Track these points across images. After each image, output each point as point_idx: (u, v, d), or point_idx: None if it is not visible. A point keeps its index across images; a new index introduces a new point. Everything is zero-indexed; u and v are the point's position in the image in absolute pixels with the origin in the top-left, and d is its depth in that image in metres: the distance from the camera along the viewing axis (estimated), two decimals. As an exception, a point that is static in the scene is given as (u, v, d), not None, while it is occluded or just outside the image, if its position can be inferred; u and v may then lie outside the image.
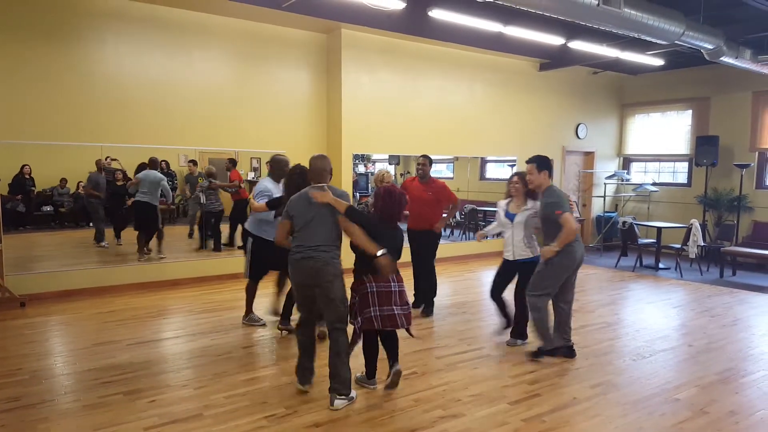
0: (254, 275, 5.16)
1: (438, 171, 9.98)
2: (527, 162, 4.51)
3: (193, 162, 7.62)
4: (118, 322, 5.41)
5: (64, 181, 6.96)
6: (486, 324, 5.51)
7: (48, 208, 6.95)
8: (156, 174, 7.05)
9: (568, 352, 4.54)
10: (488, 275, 8.06)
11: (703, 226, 9.07)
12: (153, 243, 7.24)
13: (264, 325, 5.30)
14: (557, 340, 4.53)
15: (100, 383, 3.91)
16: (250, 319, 5.33)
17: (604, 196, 10.97)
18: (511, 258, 4.73)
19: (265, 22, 7.27)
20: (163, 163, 7.61)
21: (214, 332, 5.09)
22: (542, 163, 4.41)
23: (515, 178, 4.72)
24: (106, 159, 6.85)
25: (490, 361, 4.49)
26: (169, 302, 6.22)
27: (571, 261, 4.32)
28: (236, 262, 7.31)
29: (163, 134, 6.80)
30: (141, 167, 7.02)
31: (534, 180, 4.45)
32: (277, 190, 4.90)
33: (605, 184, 10.94)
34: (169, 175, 7.71)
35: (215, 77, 7.11)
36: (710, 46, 6.76)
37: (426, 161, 5.75)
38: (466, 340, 5.01)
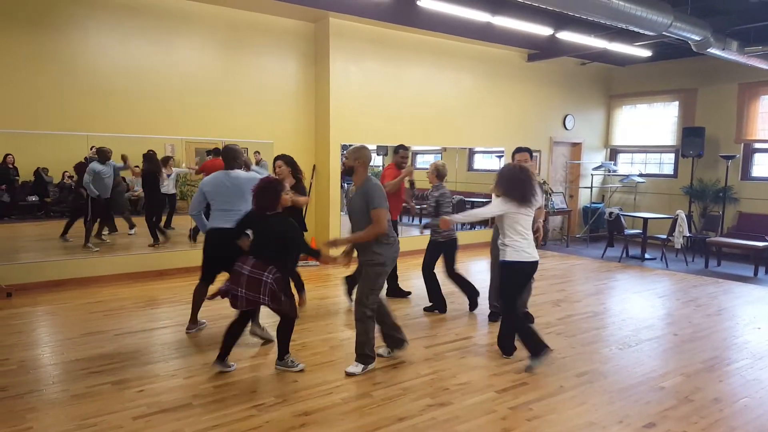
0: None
1: (426, 162, 9.97)
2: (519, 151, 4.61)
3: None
4: (105, 312, 5.38)
5: (45, 170, 6.83)
6: (474, 313, 5.55)
7: (33, 198, 6.85)
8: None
9: None
10: (476, 266, 8.11)
11: (689, 217, 9.17)
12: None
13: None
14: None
15: (88, 373, 3.89)
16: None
17: (591, 187, 11.05)
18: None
19: (252, 10, 7.19)
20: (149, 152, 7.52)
21: (201, 322, 5.05)
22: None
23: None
24: (91, 149, 6.74)
25: (477, 350, 4.53)
26: (157, 292, 6.19)
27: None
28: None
29: (148, 124, 6.71)
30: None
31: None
32: None
33: (592, 175, 11.02)
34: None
35: (201, 66, 7.02)
36: (697, 38, 6.79)
37: (406, 153, 5.83)
38: (454, 329, 5.04)
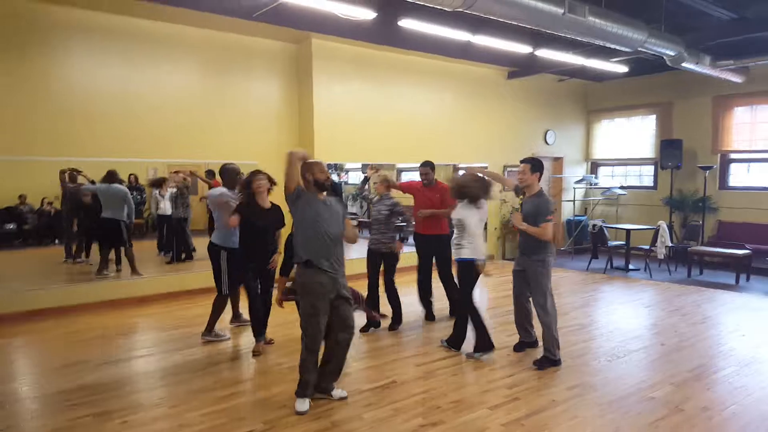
0: (230, 288, 5.16)
1: (411, 178, 9.99)
2: (521, 161, 4.63)
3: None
4: (86, 341, 5.24)
5: (23, 197, 6.73)
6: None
7: (11, 226, 6.72)
8: (118, 188, 6.70)
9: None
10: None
11: (670, 227, 9.29)
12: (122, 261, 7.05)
13: (228, 339, 5.24)
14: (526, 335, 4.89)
15: (69, 406, 3.77)
16: (215, 335, 5.23)
17: (574, 201, 11.16)
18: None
19: (234, 32, 7.21)
20: (131, 177, 7.45)
21: (186, 348, 4.96)
22: (535, 165, 4.55)
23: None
24: (69, 171, 6.65)
25: (468, 367, 4.50)
26: (139, 320, 6.06)
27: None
28: (206, 276, 7.20)
29: (130, 147, 6.63)
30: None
31: (526, 179, 4.56)
32: (235, 198, 4.97)
33: (574, 188, 11.14)
34: (138, 189, 7.55)
35: (184, 88, 7.00)
36: (672, 53, 6.96)
37: (428, 169, 5.81)
38: (444, 346, 5.01)
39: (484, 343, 4.66)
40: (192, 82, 7.07)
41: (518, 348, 4.88)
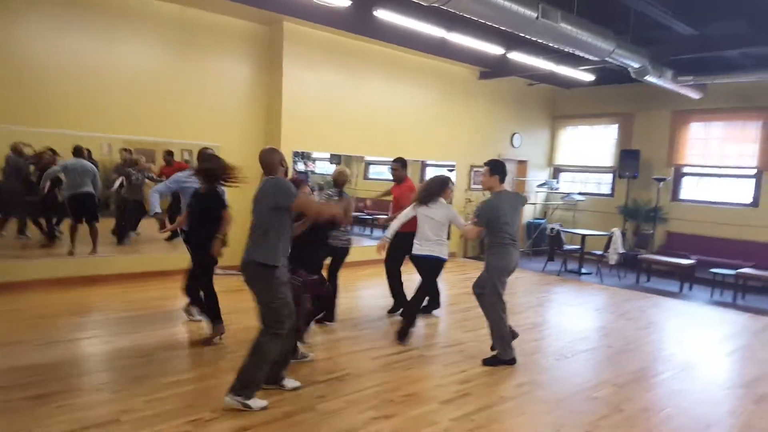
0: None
1: (379, 173, 10.03)
2: (485, 164, 4.72)
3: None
4: (26, 321, 5.00)
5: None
6: (421, 324, 5.58)
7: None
8: (89, 163, 6.69)
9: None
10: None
11: (623, 235, 9.60)
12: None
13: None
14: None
15: (3, 387, 3.59)
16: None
17: (535, 204, 11.40)
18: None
19: (202, 8, 6.99)
20: (85, 151, 7.18)
21: (135, 332, 4.81)
22: (495, 167, 4.61)
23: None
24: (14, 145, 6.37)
25: (423, 361, 4.56)
26: (87, 300, 5.84)
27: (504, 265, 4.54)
28: (161, 258, 7.06)
29: (84, 120, 6.34)
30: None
31: (485, 182, 4.68)
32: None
33: (536, 192, 11.37)
34: (92, 163, 7.29)
35: (146, 63, 6.76)
36: (636, 65, 7.17)
37: (397, 165, 5.91)
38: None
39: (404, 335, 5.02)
40: (156, 57, 6.84)
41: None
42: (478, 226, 4.58)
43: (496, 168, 4.59)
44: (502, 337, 4.52)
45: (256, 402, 3.48)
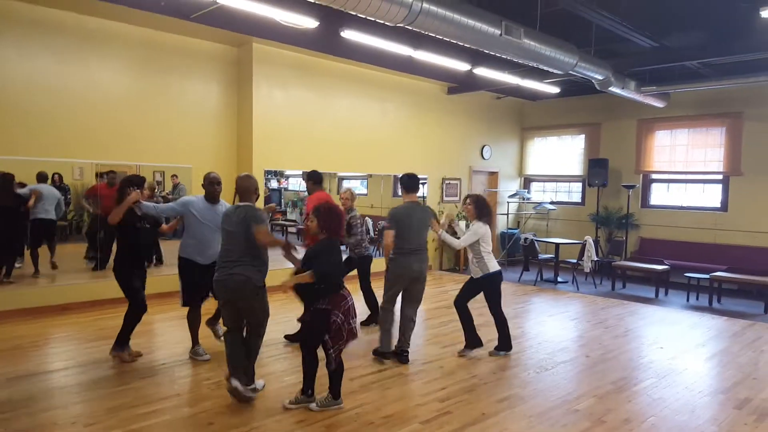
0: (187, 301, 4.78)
1: (354, 188, 9.99)
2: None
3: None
4: (-4, 353, 4.86)
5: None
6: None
7: None
8: (54, 189, 6.64)
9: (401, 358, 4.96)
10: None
11: (596, 242, 9.75)
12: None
13: (209, 359, 4.82)
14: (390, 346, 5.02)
15: None
16: (195, 352, 4.87)
17: (507, 214, 11.52)
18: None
19: (171, 32, 6.97)
20: (55, 176, 7.01)
21: (106, 362, 4.67)
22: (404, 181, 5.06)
23: (468, 200, 5.24)
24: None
25: (401, 380, 4.51)
26: (57, 330, 5.69)
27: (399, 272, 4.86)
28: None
29: (53, 146, 6.25)
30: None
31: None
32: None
33: (508, 202, 11.50)
34: (62, 189, 7.11)
35: (115, 87, 6.68)
36: (600, 77, 7.33)
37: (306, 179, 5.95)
38: (377, 359, 4.99)
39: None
40: (126, 81, 6.77)
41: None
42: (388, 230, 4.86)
43: (403, 181, 5.04)
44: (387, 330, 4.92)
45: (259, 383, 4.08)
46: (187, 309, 4.80)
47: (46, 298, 6.33)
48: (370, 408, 3.92)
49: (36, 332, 5.55)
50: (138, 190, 4.47)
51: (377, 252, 8.87)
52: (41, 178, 6.53)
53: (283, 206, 9.25)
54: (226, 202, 4.78)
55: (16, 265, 6.49)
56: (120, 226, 4.47)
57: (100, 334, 5.46)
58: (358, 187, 9.98)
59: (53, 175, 6.83)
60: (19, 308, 6.08)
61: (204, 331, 4.95)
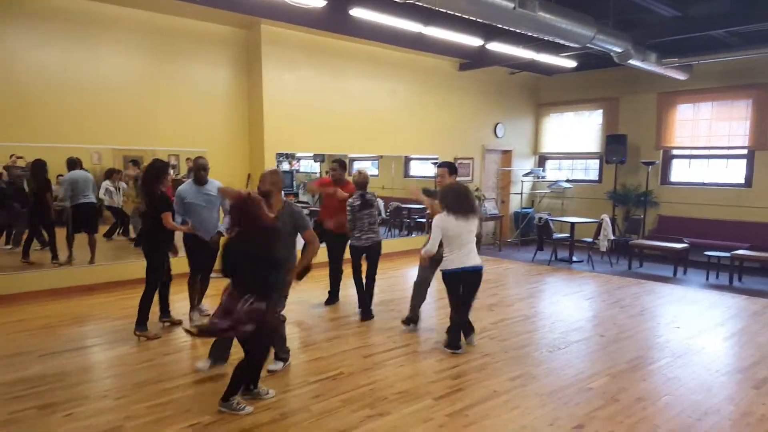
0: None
1: (365, 169, 9.99)
2: (438, 167, 5.05)
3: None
4: (28, 332, 5.05)
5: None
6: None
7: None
8: (88, 173, 6.74)
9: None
10: (413, 272, 8.15)
11: (613, 221, 9.62)
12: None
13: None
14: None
15: (11, 398, 3.65)
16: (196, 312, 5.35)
17: (521, 193, 11.41)
18: None
19: (179, 15, 6.95)
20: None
21: (133, 339, 4.84)
22: (452, 168, 5.11)
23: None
24: (11, 158, 6.33)
25: (415, 358, 4.55)
26: (84, 309, 5.86)
27: None
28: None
29: (72, 132, 6.36)
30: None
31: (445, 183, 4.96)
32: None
33: (522, 181, 11.38)
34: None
35: (127, 72, 6.72)
36: (619, 49, 7.15)
37: (335, 166, 6.08)
38: (392, 337, 5.05)
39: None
40: (137, 66, 6.80)
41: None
42: None
43: (453, 168, 5.14)
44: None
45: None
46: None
47: (71, 280, 6.51)
48: (383, 384, 3.97)
49: (63, 312, 5.72)
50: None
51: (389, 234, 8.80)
52: (71, 163, 6.60)
53: (294, 188, 9.27)
54: (215, 180, 5.30)
55: (36, 248, 6.61)
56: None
57: (124, 313, 5.60)
58: (370, 168, 9.96)
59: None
60: (45, 289, 6.29)
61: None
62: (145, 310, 4.88)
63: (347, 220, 5.58)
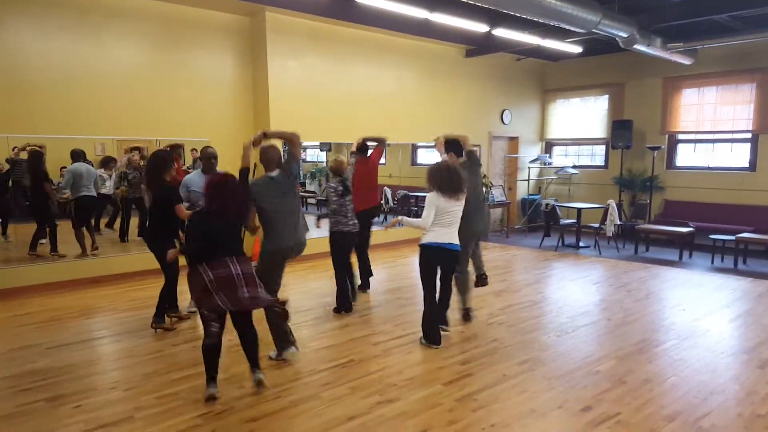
0: None
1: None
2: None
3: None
4: (35, 324, 5.09)
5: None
6: (419, 308, 5.60)
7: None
8: (90, 167, 6.78)
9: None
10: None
11: (619, 206, 9.62)
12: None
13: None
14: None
15: (19, 391, 3.68)
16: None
17: (528, 180, 11.40)
18: None
19: (183, 3, 6.94)
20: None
21: (141, 330, 4.89)
22: (458, 150, 4.99)
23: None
24: (13, 150, 6.35)
25: (422, 345, 4.59)
26: (91, 301, 5.91)
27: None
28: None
29: (75, 123, 6.36)
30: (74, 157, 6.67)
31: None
32: None
33: (529, 167, 11.36)
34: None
35: (130, 62, 6.72)
36: (624, 35, 7.12)
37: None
38: (400, 325, 5.09)
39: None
40: (140, 56, 6.80)
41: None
42: None
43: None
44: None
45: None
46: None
47: (77, 272, 6.55)
48: (392, 371, 4.02)
49: (70, 304, 5.77)
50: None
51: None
52: (75, 155, 6.64)
53: (301, 177, 9.29)
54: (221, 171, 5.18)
55: (41, 241, 6.66)
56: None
57: (132, 305, 5.68)
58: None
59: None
60: (51, 282, 6.34)
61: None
62: (163, 303, 4.90)
63: (333, 207, 5.44)
